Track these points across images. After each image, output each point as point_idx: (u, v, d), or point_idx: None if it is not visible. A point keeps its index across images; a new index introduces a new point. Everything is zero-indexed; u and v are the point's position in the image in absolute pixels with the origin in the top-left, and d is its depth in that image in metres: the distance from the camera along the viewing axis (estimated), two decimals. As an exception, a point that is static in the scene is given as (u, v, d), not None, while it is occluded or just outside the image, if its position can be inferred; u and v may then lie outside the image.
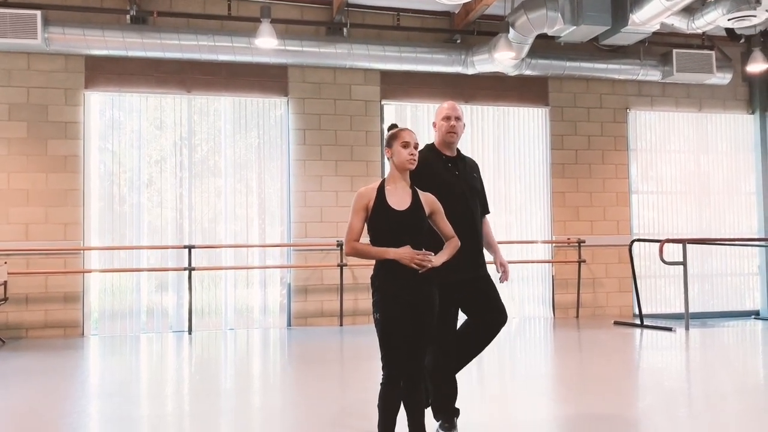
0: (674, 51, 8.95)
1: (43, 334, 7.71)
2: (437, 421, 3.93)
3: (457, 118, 4.00)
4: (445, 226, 3.45)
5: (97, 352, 6.98)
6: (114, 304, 8.03)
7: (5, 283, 7.36)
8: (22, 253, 7.68)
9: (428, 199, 3.40)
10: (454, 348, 3.94)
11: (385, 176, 3.41)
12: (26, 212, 7.76)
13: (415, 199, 3.34)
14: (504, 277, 4.07)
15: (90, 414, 4.62)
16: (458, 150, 4.12)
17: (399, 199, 3.31)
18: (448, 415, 3.91)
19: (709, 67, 9.02)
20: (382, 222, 3.28)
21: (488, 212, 4.19)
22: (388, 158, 3.40)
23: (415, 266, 3.19)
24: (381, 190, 3.33)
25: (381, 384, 3.25)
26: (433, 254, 3.26)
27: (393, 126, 3.45)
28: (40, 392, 5.09)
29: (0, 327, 7.44)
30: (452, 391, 3.96)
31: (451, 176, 3.95)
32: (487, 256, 4.09)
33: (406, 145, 3.33)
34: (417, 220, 3.32)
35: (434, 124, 4.10)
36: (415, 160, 3.34)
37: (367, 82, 8.74)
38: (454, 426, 3.91)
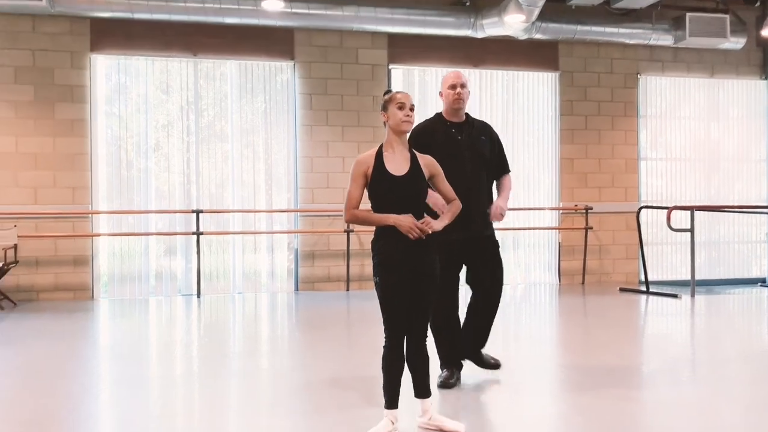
0: (687, 15, 8.77)
1: (53, 296, 7.80)
2: (441, 370, 4.14)
3: (463, 86, 4.09)
4: (446, 188, 3.44)
5: (106, 314, 7.07)
6: (123, 267, 8.10)
7: (15, 246, 7.43)
8: (31, 216, 7.74)
9: (427, 162, 3.38)
10: (454, 306, 4.16)
11: (383, 142, 3.37)
12: (35, 176, 7.79)
13: (414, 163, 3.32)
14: (493, 215, 4.08)
15: (100, 375, 4.71)
16: (467, 115, 4.17)
17: (397, 164, 3.29)
18: (451, 365, 4.14)
19: (722, 31, 8.85)
20: (382, 188, 3.27)
21: (507, 171, 4.29)
22: (384, 123, 3.37)
23: (413, 236, 3.19)
24: (379, 156, 3.30)
25: (383, 347, 3.30)
26: (432, 220, 3.27)
27: (388, 91, 3.42)
28: (52, 353, 5.18)
29: (11, 289, 7.54)
30: (455, 343, 4.17)
31: (452, 141, 4.06)
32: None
33: (401, 106, 3.29)
34: (416, 185, 3.31)
35: (440, 93, 4.20)
36: (410, 121, 3.31)
37: (374, 45, 8.64)
38: (453, 375, 4.13)
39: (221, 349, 5.47)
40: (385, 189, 3.26)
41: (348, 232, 8.42)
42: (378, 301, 3.31)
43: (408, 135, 3.37)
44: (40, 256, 7.78)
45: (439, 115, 4.21)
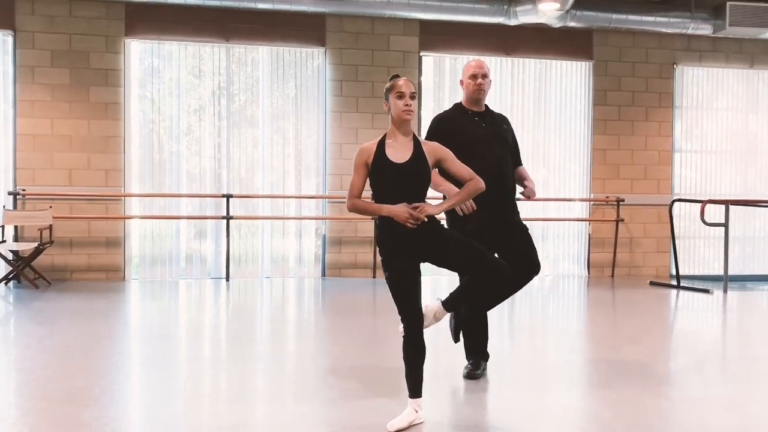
0: (728, 3, 8.54)
1: (86, 276, 7.96)
2: (468, 361, 4.12)
3: (484, 76, 4.01)
4: (460, 169, 3.35)
5: (137, 296, 7.20)
6: (154, 249, 8.23)
7: (50, 227, 7.59)
8: (65, 198, 7.89)
9: (431, 148, 3.32)
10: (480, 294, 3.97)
11: (387, 131, 3.33)
12: (69, 158, 7.93)
13: (417, 150, 3.27)
14: (526, 193, 4.06)
15: (131, 354, 4.80)
16: (486, 106, 4.14)
17: (399, 152, 3.25)
18: (477, 356, 4.10)
19: (764, 20, 8.60)
20: (382, 176, 3.25)
21: (520, 164, 4.23)
22: (386, 111, 3.33)
23: (409, 225, 3.16)
24: (381, 144, 3.27)
25: (403, 337, 3.29)
26: (428, 204, 3.21)
27: (394, 76, 3.34)
28: (85, 332, 5.30)
29: (46, 269, 7.71)
30: (481, 334, 4.12)
31: (475, 126, 4.01)
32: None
33: (400, 95, 3.24)
34: (418, 173, 3.26)
35: (461, 82, 4.12)
36: (411, 110, 3.24)
37: (405, 32, 8.59)
38: (479, 367, 4.09)
39: (249, 333, 5.54)
40: (386, 177, 3.24)
41: (376, 219, 8.41)
42: (391, 294, 3.30)
43: (409, 124, 3.28)
44: (74, 237, 7.94)
45: (459, 105, 4.14)
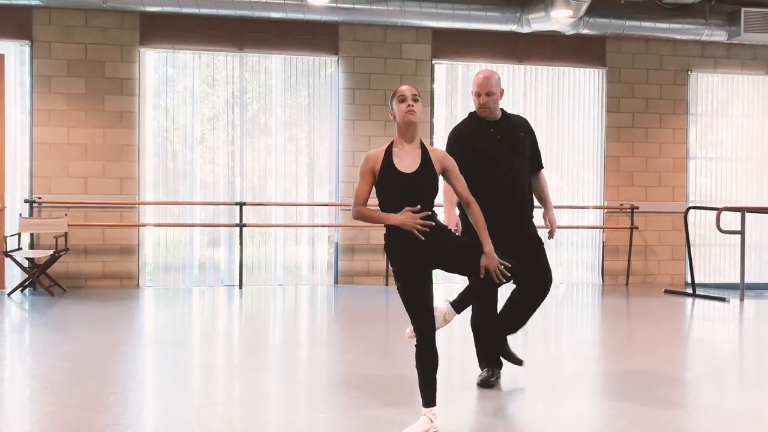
0: (743, 9, 8.48)
1: (101, 284, 8.02)
2: (481, 370, 4.09)
3: (488, 94, 3.94)
4: (461, 186, 3.31)
5: (151, 303, 7.23)
6: (168, 257, 8.27)
7: (66, 235, 7.66)
8: (81, 205, 7.96)
9: (439, 157, 3.30)
10: (493, 306, 4.06)
11: (394, 138, 3.31)
12: (85, 166, 8.00)
13: (425, 158, 3.25)
14: (551, 234, 4.12)
15: (145, 361, 4.82)
16: (503, 110, 4.09)
17: (407, 161, 3.22)
18: (490, 364, 4.08)
19: (779, 27, 8.54)
20: (390, 186, 3.22)
21: (541, 167, 4.21)
22: (392, 120, 3.31)
23: (417, 233, 3.14)
24: (388, 152, 3.24)
25: (416, 346, 3.27)
26: (432, 214, 3.19)
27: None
28: (99, 339, 5.32)
29: (61, 276, 7.77)
30: (496, 342, 4.10)
31: (491, 140, 3.97)
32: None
33: (402, 98, 3.24)
34: (427, 182, 3.23)
35: (472, 92, 4.08)
36: (413, 110, 3.22)
37: (418, 40, 8.61)
38: (494, 374, 4.06)
39: (262, 340, 5.55)
40: (393, 186, 3.21)
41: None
42: (403, 304, 3.27)
43: (415, 126, 3.26)
44: (89, 245, 8.00)
45: (474, 114, 4.09)
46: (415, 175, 3.21)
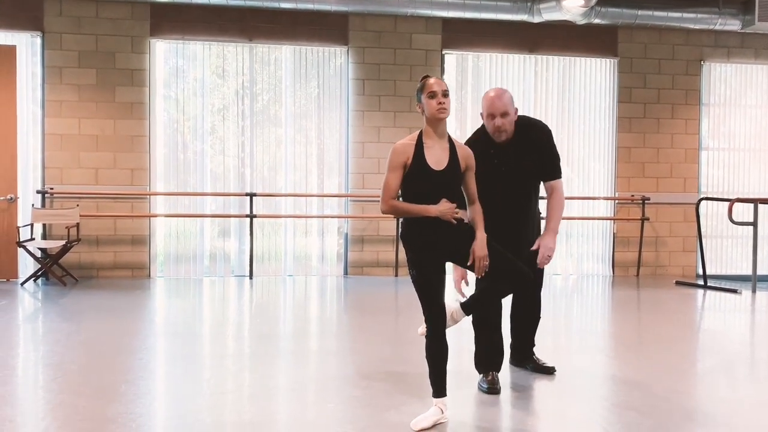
0: (757, -2, 8.39)
1: (112, 274, 8.07)
2: (480, 374, 3.97)
3: (504, 114, 3.70)
4: (473, 184, 3.36)
5: (162, 293, 7.28)
6: (178, 247, 8.31)
7: (78, 225, 7.71)
8: (92, 196, 8.01)
9: (465, 154, 3.32)
10: (497, 312, 3.99)
11: (422, 130, 3.30)
12: (96, 157, 8.04)
13: (452, 155, 3.26)
14: (539, 259, 3.76)
15: (156, 351, 4.86)
16: (519, 122, 3.82)
17: (437, 157, 3.23)
18: (488, 368, 3.94)
19: (794, 16, 8.43)
20: (421, 182, 3.20)
21: (556, 177, 3.88)
22: (420, 113, 3.31)
23: (453, 220, 3.19)
24: (419, 146, 3.22)
25: (426, 336, 3.29)
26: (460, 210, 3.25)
27: (424, 77, 3.30)
28: (111, 329, 5.37)
29: (73, 266, 7.84)
30: (495, 346, 3.97)
31: (488, 163, 3.73)
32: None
33: (432, 95, 3.21)
34: (455, 180, 3.26)
35: (482, 115, 3.85)
36: (444, 109, 3.20)
37: (428, 30, 8.56)
38: (496, 381, 3.91)
39: (272, 330, 5.57)
40: (424, 182, 3.21)
41: (398, 217, 8.42)
42: (416, 293, 3.30)
43: (445, 122, 3.27)
44: (101, 235, 8.06)
45: (483, 130, 3.86)
46: (444, 173, 3.22)
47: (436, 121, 3.24)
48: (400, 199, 3.29)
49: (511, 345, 4.34)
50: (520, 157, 3.81)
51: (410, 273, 3.29)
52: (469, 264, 3.28)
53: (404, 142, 3.26)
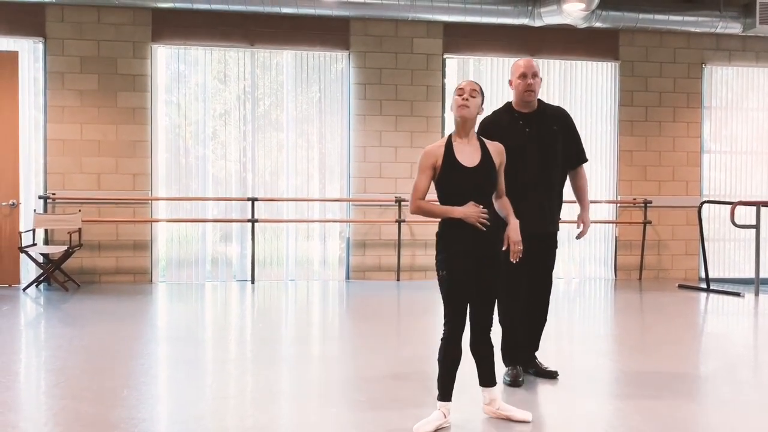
0: (758, 1, 8.37)
1: (114, 279, 8.07)
2: (506, 367, 4.10)
3: (534, 75, 3.95)
4: (502, 179, 3.40)
5: (164, 298, 7.28)
6: (180, 252, 8.31)
7: (80, 230, 7.71)
8: (94, 201, 8.01)
9: (498, 150, 3.34)
10: (522, 299, 4.08)
11: (452, 132, 3.34)
12: (98, 162, 8.05)
13: (485, 152, 3.28)
14: (580, 235, 4.09)
15: (158, 356, 4.85)
16: (540, 101, 4.05)
17: (468, 154, 3.24)
18: (516, 362, 4.08)
19: (795, 18, 8.43)
20: (453, 180, 3.21)
21: (584, 161, 4.15)
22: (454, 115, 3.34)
23: (479, 225, 3.16)
24: (449, 146, 3.24)
25: (442, 339, 3.27)
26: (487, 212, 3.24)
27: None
28: (113, 334, 5.37)
29: (75, 271, 7.84)
30: (522, 340, 4.11)
31: (519, 133, 3.92)
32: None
33: (460, 92, 3.28)
34: (488, 176, 3.26)
35: (510, 83, 4.05)
36: (466, 105, 3.25)
37: (429, 34, 8.58)
38: (521, 375, 4.05)
39: (274, 335, 5.57)
40: (456, 180, 3.21)
41: (399, 221, 8.42)
42: (441, 294, 3.28)
43: (471, 121, 3.30)
44: (103, 240, 8.06)
45: (508, 105, 4.07)
46: (478, 169, 3.23)
47: (460, 119, 3.27)
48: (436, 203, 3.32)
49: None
50: (547, 125, 4.00)
51: (440, 274, 3.25)
52: (504, 249, 3.28)
53: (434, 145, 3.31)
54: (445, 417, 3.26)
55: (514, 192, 3.58)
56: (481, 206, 3.20)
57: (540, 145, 3.93)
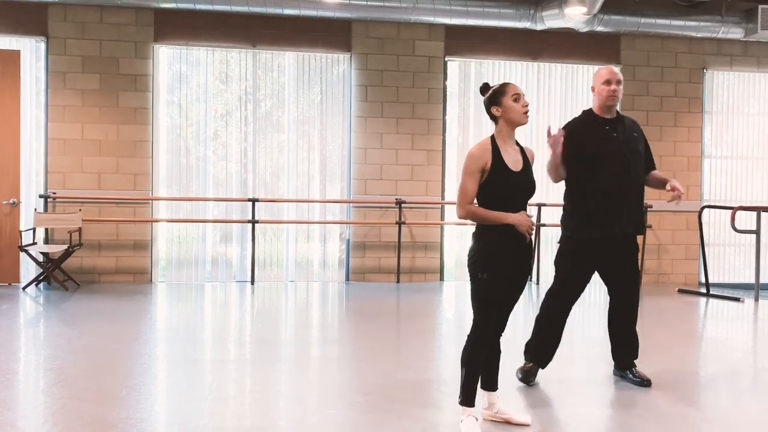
0: (760, 7, 8.39)
1: (114, 279, 8.07)
2: (525, 362, 4.17)
3: (618, 82, 4.02)
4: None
5: (164, 298, 7.27)
6: (180, 253, 8.31)
7: (80, 230, 7.71)
8: (95, 201, 8.02)
9: (532, 154, 3.34)
10: (566, 311, 4.20)
11: (493, 134, 3.27)
12: (99, 162, 8.06)
13: (525, 157, 3.28)
14: (675, 196, 4.03)
15: (158, 356, 4.85)
16: (618, 112, 4.14)
17: (513, 159, 3.22)
18: (531, 359, 4.14)
19: (797, 24, 8.44)
20: (502, 184, 3.16)
21: (654, 168, 4.30)
22: (496, 116, 3.23)
23: (527, 235, 3.15)
24: (496, 150, 3.18)
25: (471, 342, 3.21)
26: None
27: (486, 85, 3.28)
28: (113, 334, 5.36)
29: (75, 271, 7.84)
30: (551, 341, 4.15)
31: (607, 137, 3.99)
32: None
33: (517, 98, 3.20)
34: (532, 180, 3.28)
35: (593, 89, 4.11)
36: (528, 113, 3.26)
37: (431, 37, 8.59)
38: (534, 373, 4.11)
39: (273, 336, 5.56)
40: (504, 184, 3.16)
41: (399, 224, 8.42)
42: (476, 297, 3.20)
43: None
44: (103, 240, 8.06)
45: (589, 112, 4.13)
46: (522, 173, 3.22)
47: (517, 125, 3.24)
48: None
49: (612, 350, 4.33)
50: (631, 135, 4.08)
51: (479, 276, 3.14)
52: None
53: (480, 147, 3.20)
54: (477, 420, 3.24)
55: (603, 194, 3.72)
56: (531, 215, 3.22)
57: (627, 149, 4.00)
